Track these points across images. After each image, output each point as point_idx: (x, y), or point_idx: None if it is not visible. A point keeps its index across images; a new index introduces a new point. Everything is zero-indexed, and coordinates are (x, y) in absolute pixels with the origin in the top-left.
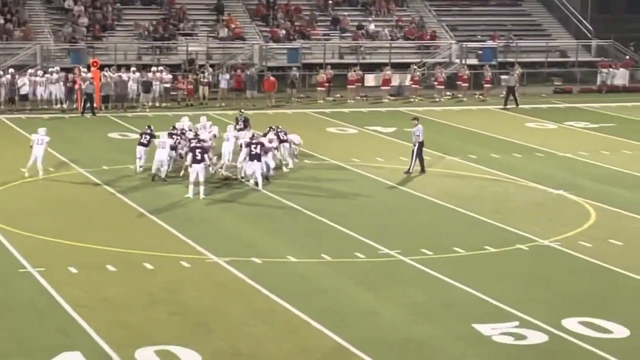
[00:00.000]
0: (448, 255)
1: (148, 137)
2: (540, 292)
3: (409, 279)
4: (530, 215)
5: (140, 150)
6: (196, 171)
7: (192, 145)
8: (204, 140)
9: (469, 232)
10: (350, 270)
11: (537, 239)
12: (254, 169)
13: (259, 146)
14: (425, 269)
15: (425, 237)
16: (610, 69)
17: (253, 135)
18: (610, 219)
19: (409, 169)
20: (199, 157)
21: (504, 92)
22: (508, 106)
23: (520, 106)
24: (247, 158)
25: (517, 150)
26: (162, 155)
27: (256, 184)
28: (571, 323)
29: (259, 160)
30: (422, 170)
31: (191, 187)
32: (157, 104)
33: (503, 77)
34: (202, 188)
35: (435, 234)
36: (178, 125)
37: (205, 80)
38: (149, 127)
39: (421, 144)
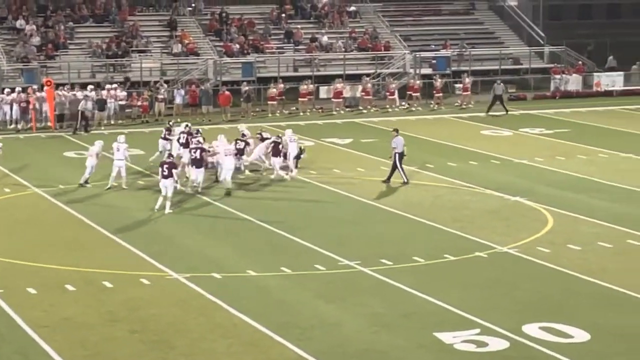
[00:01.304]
0: (408, 264)
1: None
2: (500, 298)
3: (370, 290)
4: (488, 222)
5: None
6: (165, 186)
7: (161, 160)
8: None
9: (428, 241)
10: (311, 283)
11: (496, 246)
12: (196, 174)
13: (198, 151)
14: (386, 279)
15: (384, 247)
16: (563, 75)
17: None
18: (568, 224)
19: (404, 180)
20: (166, 173)
21: (491, 100)
22: (491, 113)
23: (475, 114)
24: (190, 163)
25: (473, 158)
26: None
27: (197, 191)
28: (532, 329)
29: (200, 166)
30: (387, 180)
31: (160, 199)
32: (112, 122)
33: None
34: (168, 203)
35: (394, 244)
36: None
37: (161, 96)
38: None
39: (400, 155)
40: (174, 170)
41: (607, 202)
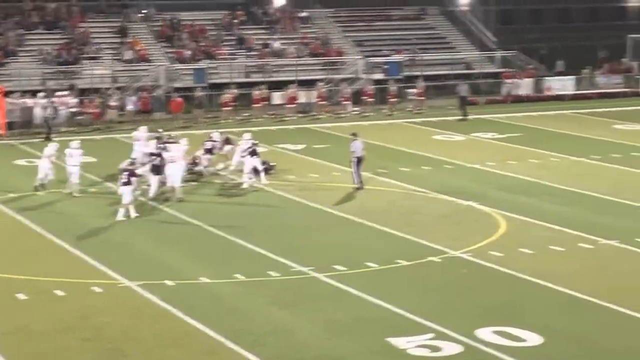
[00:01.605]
0: (361, 270)
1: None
2: (453, 303)
3: (323, 296)
4: (441, 227)
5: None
6: (123, 193)
7: (122, 167)
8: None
9: (381, 247)
10: (264, 289)
11: (449, 250)
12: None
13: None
14: (339, 285)
15: (337, 253)
16: (515, 80)
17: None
18: (520, 228)
19: (358, 184)
20: (125, 180)
21: (458, 103)
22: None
23: (427, 119)
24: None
25: (425, 162)
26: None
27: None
28: (485, 333)
29: (157, 173)
30: (359, 186)
31: (120, 210)
32: (62, 129)
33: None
34: (131, 207)
35: (348, 250)
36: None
37: (113, 103)
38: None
39: (359, 159)
40: (132, 178)
41: (558, 206)
